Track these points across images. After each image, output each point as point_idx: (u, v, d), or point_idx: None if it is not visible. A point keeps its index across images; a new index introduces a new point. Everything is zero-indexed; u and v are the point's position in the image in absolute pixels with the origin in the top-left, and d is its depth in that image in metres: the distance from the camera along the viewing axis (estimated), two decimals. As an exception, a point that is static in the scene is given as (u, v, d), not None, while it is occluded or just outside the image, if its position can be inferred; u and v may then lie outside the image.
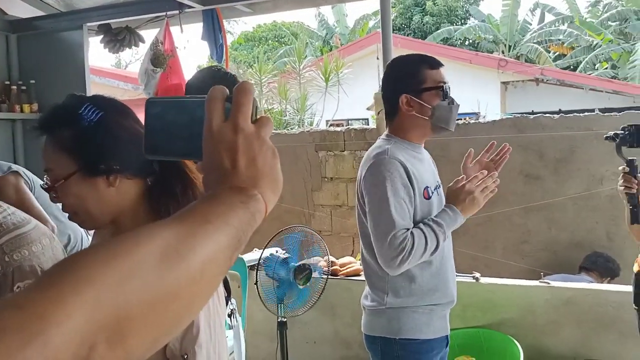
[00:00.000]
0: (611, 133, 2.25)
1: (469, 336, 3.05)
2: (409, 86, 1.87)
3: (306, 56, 12.54)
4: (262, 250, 2.92)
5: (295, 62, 10.86)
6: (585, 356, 2.94)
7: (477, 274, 3.21)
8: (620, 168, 2.23)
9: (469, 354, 2.94)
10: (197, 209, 0.53)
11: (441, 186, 2.01)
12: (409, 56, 2.00)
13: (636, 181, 2.19)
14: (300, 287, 2.84)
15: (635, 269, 2.39)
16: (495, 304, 3.12)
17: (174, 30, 3.71)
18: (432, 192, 1.90)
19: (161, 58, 3.29)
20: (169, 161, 1.10)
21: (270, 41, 22.37)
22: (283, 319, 2.98)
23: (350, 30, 18.18)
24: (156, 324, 0.45)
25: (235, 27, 24.32)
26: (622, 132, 2.21)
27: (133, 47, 4.01)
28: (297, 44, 13.48)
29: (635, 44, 15.10)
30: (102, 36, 4.02)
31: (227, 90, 0.60)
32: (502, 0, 16.74)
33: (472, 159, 2.06)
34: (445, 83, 1.86)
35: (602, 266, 3.70)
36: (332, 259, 3.66)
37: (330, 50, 13.45)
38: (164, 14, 3.51)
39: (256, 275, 2.91)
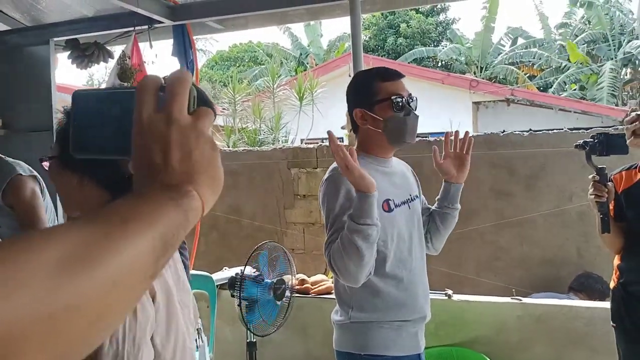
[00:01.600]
0: (581, 141, 2.25)
1: (442, 355, 3.01)
2: (362, 100, 1.86)
3: (280, 75, 12.58)
4: (243, 269, 2.85)
5: (270, 82, 10.88)
6: (557, 373, 2.93)
7: (450, 291, 3.19)
8: (591, 177, 2.23)
9: (441, 373, 2.90)
10: (115, 208, 0.48)
11: (417, 198, 1.99)
12: (365, 71, 2.00)
13: (606, 189, 2.19)
14: (278, 303, 2.79)
15: (612, 285, 2.39)
16: (468, 321, 3.09)
17: (144, 45, 3.67)
18: (398, 205, 1.86)
19: (128, 73, 3.24)
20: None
21: (245, 61, 22.43)
22: (252, 339, 2.91)
23: (325, 51, 18.34)
24: (57, 342, 0.38)
25: (211, 47, 24.36)
26: (592, 140, 2.22)
27: (102, 62, 3.94)
28: (271, 63, 13.52)
29: (602, 65, 15.52)
30: (70, 52, 3.95)
31: (162, 79, 0.56)
32: (474, 28, 17.11)
33: (440, 154, 2.03)
34: (398, 95, 1.82)
35: (591, 287, 3.65)
36: (303, 277, 3.61)
37: (305, 70, 13.51)
38: (132, 28, 3.46)
39: (239, 295, 2.81)
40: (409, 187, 1.97)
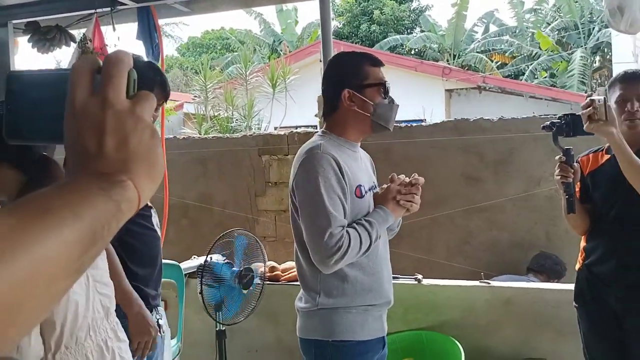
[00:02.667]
0: (548, 122, 2.26)
1: (411, 339, 3.03)
2: (352, 81, 1.84)
3: (253, 62, 12.44)
4: (205, 257, 2.80)
5: (242, 69, 10.75)
6: (525, 355, 2.96)
7: (419, 276, 3.19)
8: (557, 158, 2.23)
9: (411, 357, 2.92)
10: (38, 198, 0.44)
11: (377, 187, 1.99)
12: (351, 52, 1.99)
13: (572, 170, 2.20)
14: (244, 292, 2.75)
15: (577, 266, 2.41)
16: (437, 305, 3.11)
17: (108, 29, 3.56)
18: (366, 192, 1.87)
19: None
20: (49, 162, 1.02)
21: (217, 48, 22.16)
22: (222, 327, 2.87)
23: (298, 37, 18.20)
24: None
25: (181, 33, 23.98)
26: (559, 121, 2.22)
27: (64, 46, 3.82)
28: (244, 50, 13.37)
29: (572, 53, 15.73)
30: (30, 35, 3.81)
31: (99, 61, 0.52)
32: (447, 16, 17.17)
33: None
34: (386, 82, 1.86)
35: (550, 268, 3.73)
36: (274, 264, 3.58)
37: (278, 57, 13.39)
38: (94, 11, 3.36)
39: (200, 283, 2.77)
40: (372, 174, 2.00)
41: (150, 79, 2.32)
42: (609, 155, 2.28)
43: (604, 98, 2.05)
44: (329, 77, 1.93)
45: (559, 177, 2.22)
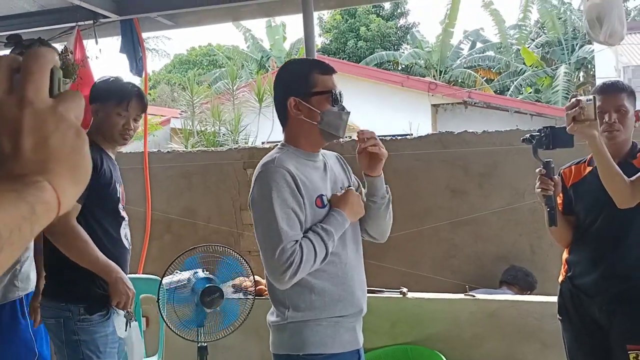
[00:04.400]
0: (527, 135, 2.26)
1: (397, 353, 3.00)
2: (298, 89, 1.81)
3: (241, 78, 12.48)
4: (163, 276, 2.75)
5: (230, 84, 10.78)
6: (510, 368, 2.94)
7: (405, 289, 3.17)
8: (537, 170, 2.23)
9: (396, 371, 2.88)
10: None
11: (352, 188, 1.92)
12: (300, 60, 1.97)
13: (552, 183, 2.20)
14: (207, 310, 2.69)
15: (559, 279, 2.40)
16: (423, 318, 3.09)
17: (91, 42, 3.55)
18: (329, 201, 1.82)
19: (70, 68, 3.12)
20: None
21: (204, 64, 22.18)
22: (203, 344, 2.82)
23: (287, 53, 18.28)
24: None
25: (164, 47, 24.00)
26: (538, 134, 2.22)
27: (46, 60, 3.79)
28: (231, 65, 13.40)
29: (556, 69, 15.94)
30: (12, 48, 3.78)
31: (19, 59, 0.50)
32: (434, 32, 17.37)
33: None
34: (335, 90, 1.81)
35: (522, 280, 3.77)
36: (258, 278, 3.54)
37: (266, 72, 13.44)
38: (76, 23, 3.34)
39: (158, 304, 2.73)
40: (339, 180, 1.92)
41: (128, 91, 2.32)
42: (591, 167, 2.28)
43: (594, 97, 2.03)
44: (276, 85, 1.90)
45: (540, 189, 2.22)
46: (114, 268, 2.22)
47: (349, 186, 1.92)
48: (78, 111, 0.50)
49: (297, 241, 1.68)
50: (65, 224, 2.13)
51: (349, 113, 1.85)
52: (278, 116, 1.89)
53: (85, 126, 2.45)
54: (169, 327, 2.73)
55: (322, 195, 1.80)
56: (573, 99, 2.07)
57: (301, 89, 1.80)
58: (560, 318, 2.38)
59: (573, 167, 2.37)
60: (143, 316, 2.75)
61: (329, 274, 1.77)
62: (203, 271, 2.85)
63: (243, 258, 2.86)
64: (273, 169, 1.73)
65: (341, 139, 1.91)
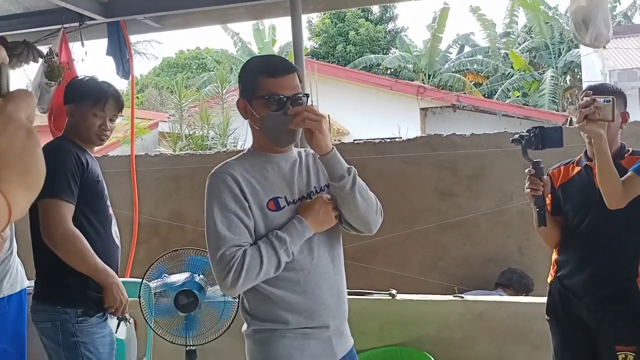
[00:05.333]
0: (516, 135, 2.26)
1: (386, 355, 2.99)
2: (245, 92, 1.75)
3: (230, 81, 12.44)
4: (165, 277, 2.74)
5: (218, 88, 10.75)
6: (500, 369, 2.94)
7: (394, 291, 3.17)
8: (527, 170, 2.24)
9: (385, 374, 2.87)
10: None
11: (324, 190, 1.80)
12: (251, 60, 1.86)
13: (542, 183, 2.20)
14: (181, 314, 2.67)
15: (549, 279, 2.41)
16: (412, 320, 3.08)
17: (77, 44, 3.52)
18: (293, 202, 1.72)
19: (56, 71, 3.08)
20: None
21: (193, 68, 22.12)
22: (192, 347, 2.80)
23: (275, 57, 18.24)
24: None
25: (153, 50, 23.87)
26: (527, 134, 2.23)
27: (32, 62, 3.75)
28: (220, 68, 13.37)
29: (543, 73, 16.08)
30: (-3, 51, 3.74)
31: None
32: (423, 37, 17.48)
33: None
34: (276, 93, 1.66)
35: (517, 282, 3.77)
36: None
37: (254, 76, 13.40)
38: (61, 26, 3.31)
39: (141, 308, 2.72)
40: (313, 180, 1.79)
41: (104, 91, 2.30)
42: (580, 167, 2.30)
43: (612, 98, 2.03)
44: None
45: (529, 190, 2.22)
46: (110, 274, 2.23)
47: (324, 187, 1.79)
48: (29, 110, 0.47)
49: (239, 246, 1.60)
50: (64, 229, 2.12)
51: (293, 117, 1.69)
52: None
53: (62, 127, 2.43)
54: (154, 332, 2.72)
55: (277, 197, 1.70)
56: (587, 97, 2.05)
57: (247, 91, 1.74)
58: (548, 318, 2.39)
59: (562, 167, 2.38)
60: (131, 318, 2.73)
61: (287, 282, 1.67)
62: (197, 274, 2.83)
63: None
64: (217, 174, 1.69)
65: (293, 142, 1.76)
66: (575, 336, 2.29)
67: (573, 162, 2.35)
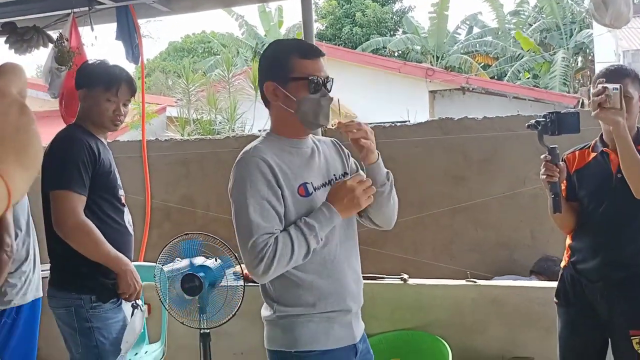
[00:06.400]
0: (532, 121, 2.23)
1: (397, 339, 3.00)
2: (276, 74, 1.71)
3: (236, 65, 12.39)
4: (178, 261, 2.75)
5: (225, 72, 10.70)
6: (513, 353, 2.95)
7: (405, 276, 3.17)
8: (542, 156, 2.22)
9: (398, 357, 2.89)
10: None
11: (344, 177, 1.82)
12: (281, 41, 1.87)
13: (558, 169, 2.18)
14: (187, 297, 2.69)
15: (562, 263, 2.40)
16: (423, 305, 3.09)
17: (87, 30, 3.50)
18: (318, 188, 1.73)
19: (66, 55, 3.07)
20: None
21: (199, 52, 22.03)
22: (206, 330, 2.82)
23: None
24: None
25: (156, 32, 23.74)
26: (544, 119, 2.20)
27: (42, 48, 3.74)
28: (226, 52, 13.30)
29: (554, 54, 15.88)
30: (7, 36, 3.73)
31: None
32: (429, 14, 17.21)
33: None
34: (315, 75, 1.68)
35: (551, 270, 3.71)
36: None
37: (262, 59, 13.33)
38: (71, 10, 3.29)
39: (158, 292, 2.74)
40: (332, 167, 1.81)
41: (116, 76, 2.28)
42: (595, 153, 2.27)
43: (620, 86, 2.01)
44: (259, 68, 1.81)
45: (545, 176, 2.20)
46: (124, 261, 2.24)
47: (345, 173, 1.82)
48: (20, 85, 0.45)
49: (271, 234, 1.60)
50: (76, 220, 2.12)
51: (331, 99, 1.73)
52: (262, 99, 1.79)
53: (74, 113, 2.42)
54: (171, 314, 2.74)
55: (306, 183, 1.71)
56: (599, 86, 2.03)
57: (279, 73, 1.70)
58: (557, 301, 2.39)
59: (577, 152, 2.35)
60: (145, 303, 2.76)
61: (315, 266, 1.69)
62: (213, 259, 2.85)
63: (227, 245, 2.84)
64: (248, 158, 1.66)
65: (326, 126, 1.79)
66: (583, 321, 2.29)
67: (589, 147, 2.32)
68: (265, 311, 1.76)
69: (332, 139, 1.94)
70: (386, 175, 1.77)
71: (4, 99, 0.43)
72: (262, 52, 1.84)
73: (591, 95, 2.06)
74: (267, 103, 1.77)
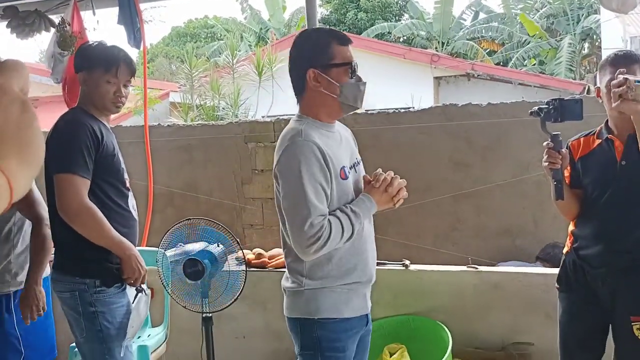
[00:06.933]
0: (535, 108, 2.22)
1: (398, 324, 3.01)
2: (317, 61, 1.81)
3: (240, 50, 12.33)
4: (180, 246, 2.76)
5: (229, 57, 10.65)
6: (513, 339, 2.96)
7: (407, 261, 3.17)
8: (545, 143, 2.20)
9: (398, 342, 2.90)
10: None
11: (360, 162, 1.99)
12: (318, 30, 1.97)
13: (560, 156, 2.17)
14: (190, 282, 2.71)
15: (565, 250, 2.40)
16: (425, 290, 3.09)
17: (89, 14, 3.48)
18: (349, 171, 1.87)
19: (68, 40, 3.05)
20: None
21: (202, 37, 21.92)
22: (208, 314, 2.84)
23: (286, 24, 18.03)
24: None
25: (158, 16, 23.61)
26: (547, 106, 2.19)
27: (44, 32, 3.73)
28: (230, 38, 13.23)
29: (561, 40, 15.73)
30: (8, 20, 3.72)
31: None
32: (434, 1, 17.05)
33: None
34: (353, 61, 1.84)
35: (557, 257, 3.70)
36: (261, 251, 3.55)
37: (265, 44, 13.27)
38: (73, -7, 3.27)
39: (160, 277, 2.76)
40: (354, 151, 1.97)
41: (115, 57, 2.26)
42: (600, 140, 2.25)
43: None
44: (294, 56, 1.88)
45: (547, 163, 2.19)
46: (128, 245, 2.23)
47: (359, 160, 1.98)
48: (21, 82, 0.44)
49: (325, 215, 1.72)
50: (79, 203, 2.12)
51: (365, 84, 1.87)
52: (293, 87, 1.88)
53: (77, 97, 2.41)
54: (173, 299, 2.76)
55: (344, 167, 1.84)
56: (620, 77, 2.01)
57: (320, 60, 1.80)
58: (558, 287, 2.39)
59: (582, 139, 2.33)
60: (148, 287, 2.77)
61: (346, 245, 1.82)
62: (215, 244, 2.85)
63: (229, 231, 2.85)
64: (301, 142, 1.75)
65: (360, 108, 1.92)
66: (584, 307, 2.29)
67: (593, 134, 2.31)
68: (289, 283, 1.89)
69: (344, 126, 2.06)
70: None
71: (5, 97, 0.43)
72: (295, 42, 1.92)
73: (611, 86, 2.03)
74: (301, 89, 1.85)
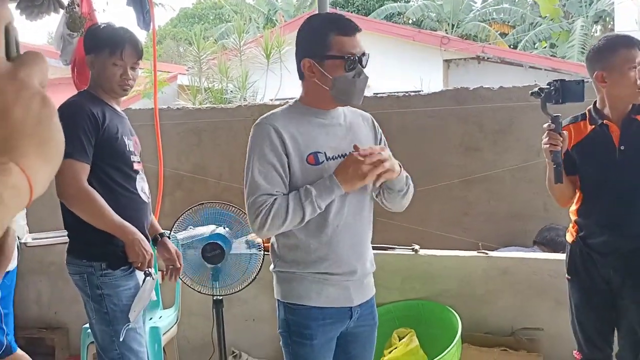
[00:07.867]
0: (536, 89, 2.20)
1: (407, 308, 3.02)
2: (313, 50, 1.76)
3: (248, 32, 12.24)
4: (191, 229, 2.77)
5: (237, 39, 10.57)
6: (522, 324, 2.96)
7: (416, 246, 3.17)
8: (545, 125, 2.18)
9: (407, 326, 2.91)
10: None
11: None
12: (320, 16, 1.92)
13: (561, 138, 2.15)
14: (209, 266, 2.72)
15: (569, 239, 2.38)
16: (434, 275, 3.10)
17: (97, -5, 3.45)
18: (332, 158, 1.79)
19: (77, 21, 3.03)
20: None
21: (210, 19, 21.78)
22: (219, 297, 2.86)
23: (295, 7, 17.89)
24: None
25: (174, 3, 23.55)
26: (548, 87, 2.16)
27: (53, 13, 3.71)
28: (238, 19, 13.13)
29: (573, 22, 15.51)
30: (17, 2, 3.70)
31: None
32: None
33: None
34: (351, 54, 1.72)
35: (554, 240, 3.69)
36: (270, 235, 3.56)
37: (274, 27, 13.17)
38: (82, -26, 3.24)
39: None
40: (356, 141, 1.80)
41: (121, 37, 2.24)
42: (594, 126, 2.22)
43: None
44: (296, 42, 1.84)
45: (547, 145, 2.17)
46: (130, 230, 2.20)
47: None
48: (42, 76, 0.43)
49: (271, 195, 1.71)
50: (78, 187, 2.12)
51: (366, 79, 1.77)
52: (298, 72, 1.85)
53: (86, 79, 2.39)
54: (183, 282, 2.78)
55: (317, 152, 1.78)
56: None
57: (315, 50, 1.75)
58: (569, 277, 2.37)
59: (571, 126, 2.28)
60: (159, 270, 2.79)
61: (316, 232, 1.80)
62: (222, 227, 2.87)
63: (244, 213, 2.85)
64: (261, 125, 1.77)
65: (358, 104, 1.83)
66: (597, 295, 2.29)
67: (585, 119, 2.27)
68: (271, 265, 1.92)
69: (366, 114, 1.98)
70: (405, 181, 1.87)
71: (25, 91, 0.41)
72: (299, 28, 1.86)
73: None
74: (301, 76, 1.83)
